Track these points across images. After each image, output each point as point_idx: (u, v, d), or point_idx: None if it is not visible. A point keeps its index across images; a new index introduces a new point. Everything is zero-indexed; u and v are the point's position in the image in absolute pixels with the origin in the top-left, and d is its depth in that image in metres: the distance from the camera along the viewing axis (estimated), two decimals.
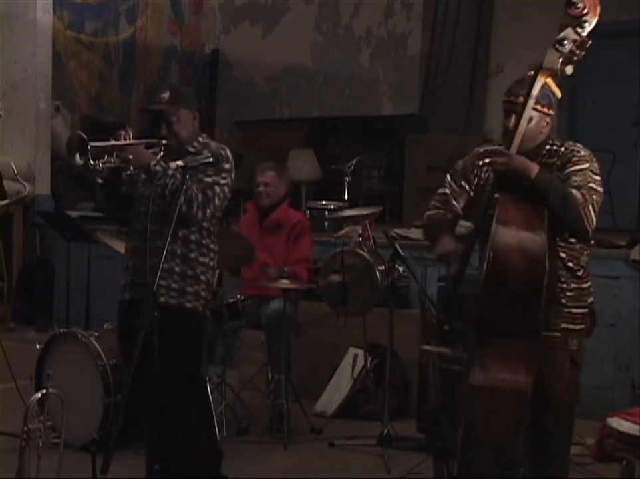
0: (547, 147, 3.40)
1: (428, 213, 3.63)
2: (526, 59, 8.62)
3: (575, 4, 3.13)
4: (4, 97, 8.21)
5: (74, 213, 7.85)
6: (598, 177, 3.33)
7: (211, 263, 3.78)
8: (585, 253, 3.45)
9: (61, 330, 4.85)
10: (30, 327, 7.80)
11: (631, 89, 7.82)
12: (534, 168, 3.24)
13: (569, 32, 3.17)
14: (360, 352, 5.51)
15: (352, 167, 7.84)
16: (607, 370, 5.46)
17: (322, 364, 5.76)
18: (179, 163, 3.39)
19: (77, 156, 3.39)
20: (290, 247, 5.44)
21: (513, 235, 3.14)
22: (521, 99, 3.28)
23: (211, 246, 3.77)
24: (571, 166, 3.32)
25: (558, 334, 3.37)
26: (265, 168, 5.57)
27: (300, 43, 10.47)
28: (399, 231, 6.48)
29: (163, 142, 3.67)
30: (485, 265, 3.13)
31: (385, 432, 4.81)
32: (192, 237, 3.69)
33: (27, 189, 6.05)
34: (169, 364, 3.51)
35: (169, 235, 3.22)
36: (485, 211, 3.31)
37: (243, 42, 10.95)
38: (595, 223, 3.27)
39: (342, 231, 5.67)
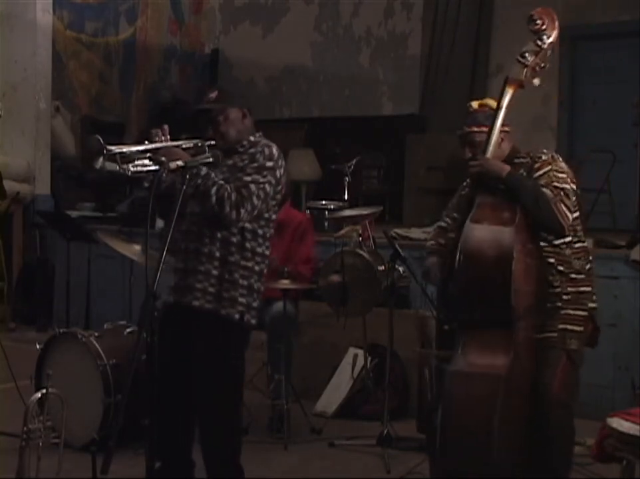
0: (515, 160, 3.60)
1: (427, 245, 3.97)
2: None
3: (534, 21, 3.50)
4: (4, 97, 8.21)
5: (74, 213, 7.86)
6: (563, 175, 3.52)
7: (256, 268, 3.54)
8: (583, 257, 3.51)
9: (61, 330, 4.85)
10: (30, 327, 7.80)
11: (631, 89, 7.83)
12: (505, 168, 3.48)
13: (530, 45, 3.52)
14: (360, 352, 5.51)
15: (352, 167, 7.85)
16: (607, 370, 5.46)
17: (323, 364, 5.76)
18: (180, 163, 3.34)
19: (100, 160, 3.20)
20: (293, 247, 5.44)
21: (483, 228, 3.36)
22: (484, 129, 3.56)
23: (258, 249, 3.55)
24: (535, 172, 3.52)
25: (555, 334, 3.46)
26: None
27: (300, 43, 10.47)
28: (399, 231, 6.48)
29: (207, 142, 3.52)
30: (457, 257, 3.33)
31: (385, 432, 4.81)
32: (233, 239, 3.49)
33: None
34: (204, 372, 3.49)
35: (170, 231, 3.14)
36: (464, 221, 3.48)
37: (243, 42, 10.95)
38: (569, 219, 3.43)
39: (342, 231, 5.67)
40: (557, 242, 3.50)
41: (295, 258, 5.38)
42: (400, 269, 5.25)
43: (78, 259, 7.09)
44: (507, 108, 3.50)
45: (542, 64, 3.50)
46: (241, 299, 3.50)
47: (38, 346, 4.77)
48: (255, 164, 3.49)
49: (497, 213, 3.39)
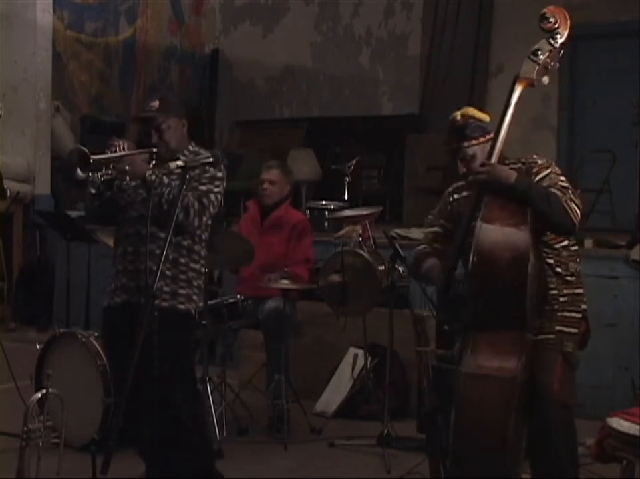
0: (506, 164, 3.53)
1: (415, 250, 3.86)
2: None
3: (547, 19, 3.43)
4: (4, 97, 8.21)
5: (74, 213, 7.85)
6: (563, 178, 3.49)
7: (201, 270, 3.84)
8: (577, 259, 3.55)
9: (61, 330, 4.84)
10: (30, 327, 7.79)
11: (631, 89, 7.82)
12: (512, 174, 3.40)
13: (542, 43, 3.44)
14: (360, 352, 5.51)
15: (352, 167, 7.85)
16: (607, 370, 5.46)
17: (323, 364, 5.76)
18: (179, 163, 3.39)
19: (78, 170, 3.40)
20: (291, 247, 5.44)
21: (497, 229, 3.30)
22: (474, 142, 3.52)
23: (202, 253, 3.83)
24: (535, 176, 3.48)
25: (553, 336, 3.45)
26: (271, 166, 5.60)
27: (300, 43, 10.48)
28: (399, 231, 6.48)
29: (154, 149, 3.70)
30: (470, 259, 3.27)
31: (385, 432, 4.81)
32: (184, 243, 3.74)
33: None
34: (162, 364, 3.52)
35: (168, 241, 3.26)
36: (464, 239, 3.42)
37: (243, 42, 10.96)
38: (579, 217, 3.40)
39: (342, 231, 5.66)
40: (557, 245, 3.50)
41: (292, 258, 5.38)
42: (400, 269, 5.24)
43: (78, 259, 7.09)
44: (515, 106, 3.44)
45: (552, 63, 3.45)
46: (194, 297, 3.78)
47: (38, 346, 4.77)
48: (208, 174, 3.71)
49: (507, 213, 3.35)
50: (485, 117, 3.61)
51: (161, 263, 3.23)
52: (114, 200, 3.77)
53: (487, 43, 9.20)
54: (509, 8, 9.02)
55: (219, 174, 3.75)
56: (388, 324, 4.89)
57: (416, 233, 6.43)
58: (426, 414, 3.55)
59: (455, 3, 9.31)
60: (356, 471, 4.61)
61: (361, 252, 5.20)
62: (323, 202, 7.48)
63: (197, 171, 3.67)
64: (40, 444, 3.48)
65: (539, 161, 3.54)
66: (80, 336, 4.68)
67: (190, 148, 3.84)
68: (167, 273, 3.67)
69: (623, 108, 7.97)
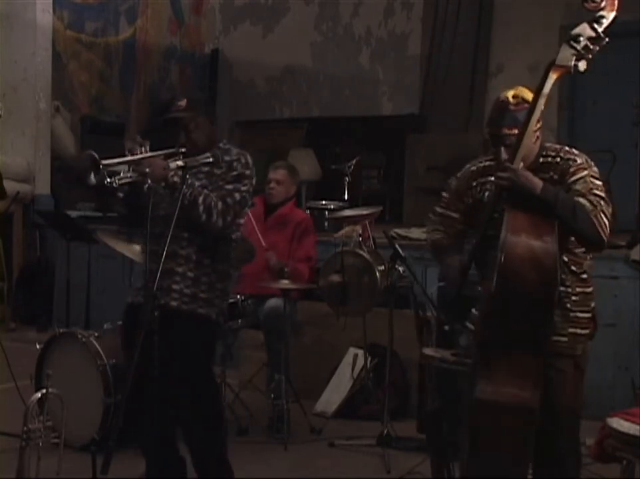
0: (542, 159, 3.28)
1: (432, 237, 3.52)
2: (526, 59, 8.69)
3: None
4: (4, 97, 8.21)
5: (74, 213, 7.85)
6: (599, 183, 3.22)
7: (227, 271, 3.73)
8: (588, 257, 3.38)
9: (61, 330, 4.84)
10: (30, 327, 7.80)
11: (631, 89, 7.82)
12: (539, 183, 3.10)
13: (584, 28, 3.08)
14: (360, 352, 5.51)
15: (352, 167, 7.85)
16: (607, 370, 5.46)
17: (323, 364, 5.76)
18: (179, 163, 3.38)
19: (91, 176, 3.32)
20: (293, 245, 5.46)
21: (524, 243, 3.01)
22: (515, 131, 3.16)
23: (230, 253, 3.72)
24: (570, 177, 3.21)
25: (565, 339, 3.28)
26: (278, 166, 5.62)
27: (300, 43, 10.48)
28: (399, 231, 6.48)
29: (182, 150, 3.59)
30: (495, 275, 3.00)
31: (385, 432, 4.81)
32: (210, 243, 3.64)
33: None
34: (179, 368, 3.51)
35: (169, 237, 3.22)
36: (485, 232, 3.20)
37: (243, 42, 10.96)
38: (608, 231, 3.13)
39: (342, 231, 5.66)
40: (570, 245, 3.27)
41: (295, 256, 5.39)
42: (400, 269, 5.24)
43: (78, 259, 7.09)
44: (546, 97, 3.07)
45: (592, 49, 3.04)
46: (216, 301, 3.66)
47: (38, 346, 4.77)
48: (235, 173, 3.63)
49: (533, 221, 3.05)
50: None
51: (162, 263, 3.20)
52: (144, 202, 3.61)
53: (487, 43, 9.20)
54: (509, 8, 9.01)
55: (247, 172, 3.66)
56: (388, 324, 4.89)
57: (416, 233, 6.43)
58: (430, 416, 3.49)
59: (455, 3, 9.31)
60: (356, 471, 4.61)
61: (361, 252, 5.20)
62: (323, 202, 7.48)
63: (223, 169, 3.62)
64: (40, 444, 3.48)
65: (578, 160, 3.24)
66: (80, 336, 4.68)
67: (221, 145, 3.74)
68: (190, 274, 3.60)
69: (623, 108, 7.97)
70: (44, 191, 8.52)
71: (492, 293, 2.99)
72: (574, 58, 3.05)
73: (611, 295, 5.47)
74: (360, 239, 5.30)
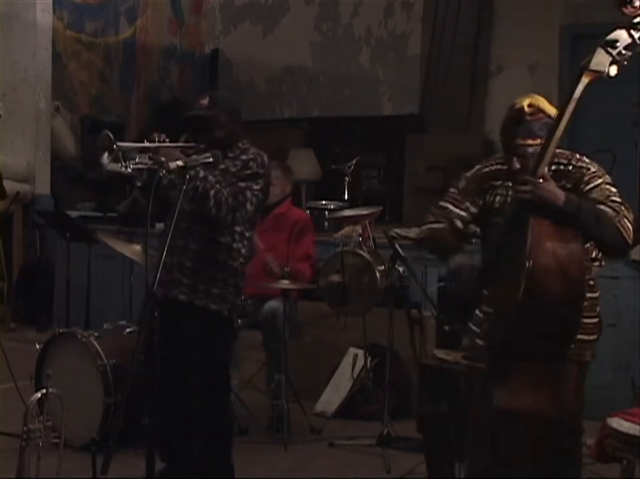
0: (554, 167, 3.20)
1: (430, 226, 3.44)
2: (526, 59, 8.69)
3: (631, 2, 3.05)
4: (4, 97, 8.20)
5: (74, 213, 7.85)
6: (615, 190, 3.20)
7: (240, 268, 3.76)
8: (596, 263, 3.34)
9: (61, 330, 4.84)
10: (30, 327, 7.79)
11: (631, 89, 7.81)
12: (560, 195, 3.01)
13: (621, 34, 3.00)
14: (360, 352, 5.51)
15: (352, 167, 7.85)
16: (607, 370, 5.46)
17: (323, 364, 5.76)
18: (179, 163, 3.38)
19: (105, 156, 3.36)
20: (292, 244, 5.45)
21: (550, 252, 2.92)
22: (529, 141, 3.10)
23: (243, 251, 3.76)
24: (585, 186, 3.17)
25: (572, 345, 3.18)
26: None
27: (300, 43, 10.47)
28: (399, 231, 6.47)
29: (201, 146, 3.65)
30: (522, 285, 2.89)
31: (385, 432, 4.81)
32: (222, 239, 3.68)
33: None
34: (191, 364, 3.51)
35: (170, 233, 3.22)
36: (503, 237, 3.12)
37: (243, 42, 10.95)
38: (631, 236, 3.08)
39: (342, 231, 5.66)
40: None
41: (294, 255, 5.39)
42: (400, 269, 5.25)
43: (78, 259, 7.09)
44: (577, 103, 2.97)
45: (625, 54, 2.96)
46: (230, 297, 3.70)
47: (38, 346, 4.77)
48: (249, 171, 3.67)
49: (557, 228, 2.97)
50: (553, 111, 3.15)
51: (162, 260, 3.19)
52: (165, 196, 3.66)
53: (487, 43, 9.19)
54: (509, 8, 9.01)
55: (262, 171, 3.71)
56: (388, 324, 4.89)
57: (416, 233, 6.43)
58: (433, 419, 3.42)
59: (455, 3, 9.30)
60: (356, 471, 4.61)
61: (361, 252, 5.20)
62: (323, 202, 7.48)
63: (238, 166, 3.66)
64: (40, 444, 3.48)
65: (592, 169, 3.20)
66: (80, 336, 4.68)
67: (240, 145, 3.80)
68: (202, 269, 3.64)
69: (623, 108, 7.96)
70: (44, 191, 8.52)
71: (519, 301, 2.89)
72: (609, 63, 2.98)
73: (611, 295, 5.47)
74: (360, 239, 5.30)
